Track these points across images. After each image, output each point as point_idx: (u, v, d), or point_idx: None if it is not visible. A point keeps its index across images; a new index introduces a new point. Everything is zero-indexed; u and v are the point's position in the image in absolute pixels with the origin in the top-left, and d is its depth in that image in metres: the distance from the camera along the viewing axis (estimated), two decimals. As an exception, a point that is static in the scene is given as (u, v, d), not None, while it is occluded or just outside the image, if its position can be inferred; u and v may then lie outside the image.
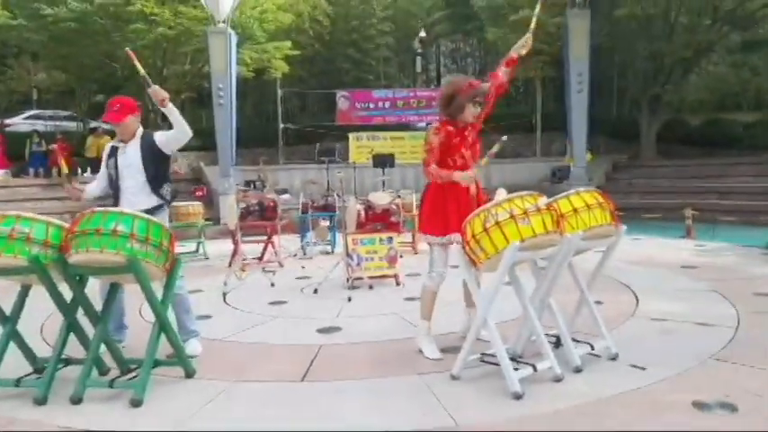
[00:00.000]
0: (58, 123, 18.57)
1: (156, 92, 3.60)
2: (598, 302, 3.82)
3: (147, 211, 3.42)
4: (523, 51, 3.74)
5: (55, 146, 13.55)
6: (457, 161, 3.58)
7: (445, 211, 3.60)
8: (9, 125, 17.93)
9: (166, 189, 3.88)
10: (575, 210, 3.27)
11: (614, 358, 3.46)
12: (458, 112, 3.56)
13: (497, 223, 2.97)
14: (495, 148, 3.34)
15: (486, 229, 3.00)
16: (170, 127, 3.75)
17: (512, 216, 2.96)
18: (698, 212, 9.72)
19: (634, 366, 3.34)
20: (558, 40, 15.18)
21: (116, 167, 3.80)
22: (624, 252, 6.94)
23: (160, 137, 3.84)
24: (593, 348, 3.48)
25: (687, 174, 14.31)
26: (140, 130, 3.87)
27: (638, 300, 4.94)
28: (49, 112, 19.40)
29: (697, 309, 4.57)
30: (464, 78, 3.79)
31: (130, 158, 3.79)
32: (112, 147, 3.88)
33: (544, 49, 16.53)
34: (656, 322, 4.25)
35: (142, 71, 3.77)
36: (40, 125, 17.89)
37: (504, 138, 3.38)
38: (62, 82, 19.34)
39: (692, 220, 9.40)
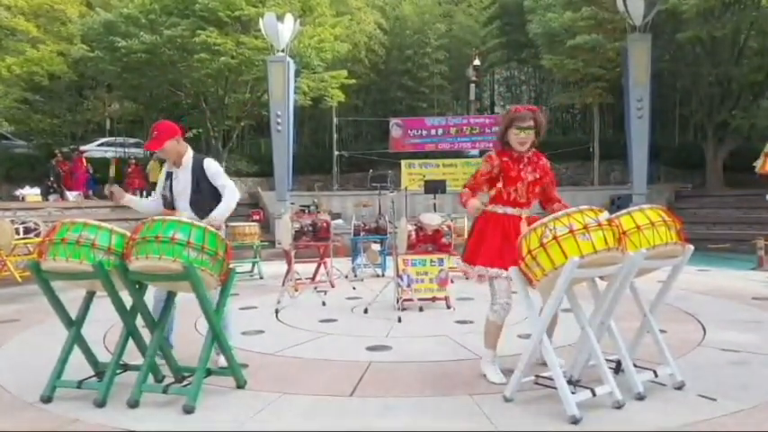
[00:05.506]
0: (126, 150, 19.62)
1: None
2: (662, 331, 3.60)
3: None
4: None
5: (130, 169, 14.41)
6: (511, 194, 3.51)
7: (488, 243, 3.50)
8: (84, 152, 19.10)
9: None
10: (638, 227, 3.10)
11: (680, 387, 3.25)
12: (503, 138, 3.56)
13: (555, 238, 2.84)
14: None
15: (543, 245, 2.89)
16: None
17: (571, 231, 2.83)
18: (771, 243, 9.13)
19: (703, 396, 3.12)
20: (618, 65, 14.88)
21: (170, 190, 3.97)
22: (690, 282, 6.60)
23: (208, 169, 3.89)
24: (656, 375, 3.28)
25: (757, 204, 13.54)
26: (189, 154, 3.95)
27: (705, 329, 4.66)
28: (119, 140, 20.54)
29: (772, 341, 4.26)
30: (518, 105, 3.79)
31: (182, 184, 3.92)
32: (167, 172, 4.02)
33: (603, 75, 16.25)
34: (727, 353, 3.98)
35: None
36: (110, 152, 18.97)
37: None
38: (132, 111, 20.54)
39: (764, 251, 8.86)
